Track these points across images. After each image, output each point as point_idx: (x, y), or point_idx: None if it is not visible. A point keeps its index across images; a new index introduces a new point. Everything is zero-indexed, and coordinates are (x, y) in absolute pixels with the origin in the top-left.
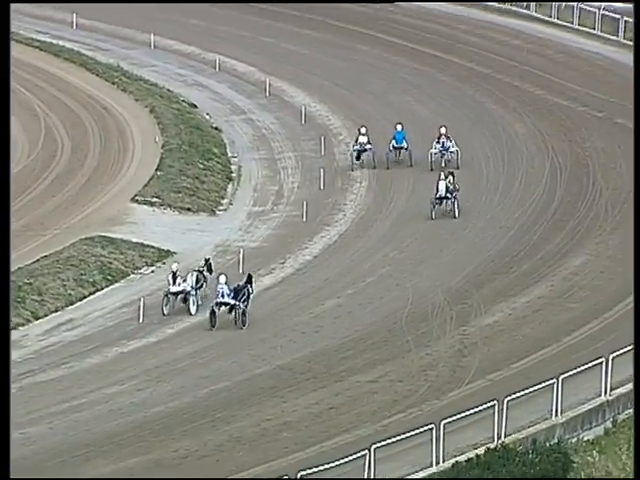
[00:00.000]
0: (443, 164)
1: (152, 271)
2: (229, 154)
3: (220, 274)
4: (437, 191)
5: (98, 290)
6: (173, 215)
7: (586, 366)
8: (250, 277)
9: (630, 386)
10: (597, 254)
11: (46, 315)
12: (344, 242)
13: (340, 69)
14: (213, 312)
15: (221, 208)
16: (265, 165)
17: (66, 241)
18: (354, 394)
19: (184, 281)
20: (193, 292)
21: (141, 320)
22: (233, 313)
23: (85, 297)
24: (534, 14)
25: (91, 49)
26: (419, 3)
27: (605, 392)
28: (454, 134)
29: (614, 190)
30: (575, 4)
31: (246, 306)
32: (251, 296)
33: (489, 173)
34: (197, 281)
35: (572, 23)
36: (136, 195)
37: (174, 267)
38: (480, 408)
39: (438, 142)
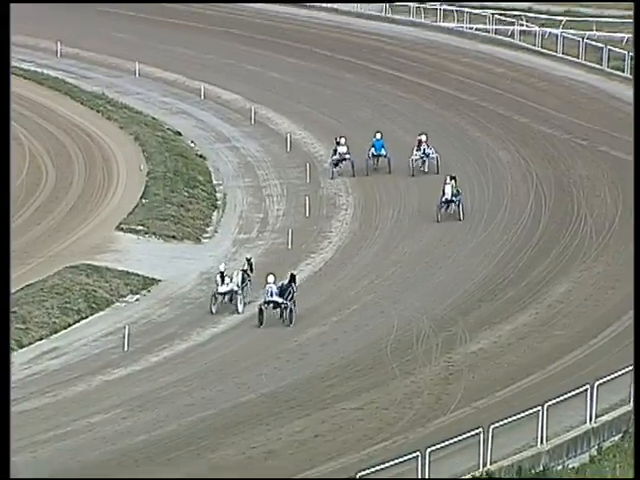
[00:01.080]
0: (426, 169)
1: (137, 299)
2: (214, 182)
3: (269, 273)
4: (443, 194)
5: (83, 318)
6: (158, 243)
7: (571, 393)
8: (293, 276)
9: (615, 413)
10: (581, 281)
11: (30, 343)
12: (329, 269)
13: (325, 97)
14: (261, 310)
15: (206, 236)
16: (250, 193)
17: (51, 269)
18: (339, 421)
19: (231, 281)
20: (240, 291)
21: (126, 348)
22: (279, 311)
23: (70, 325)
24: (518, 42)
25: (75, 77)
26: (405, 32)
27: (590, 419)
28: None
29: (598, 217)
30: (558, 32)
31: (293, 304)
32: (295, 295)
33: (474, 200)
34: (242, 280)
35: (556, 51)
36: (121, 223)
37: (222, 267)
38: (465, 436)
39: (418, 149)
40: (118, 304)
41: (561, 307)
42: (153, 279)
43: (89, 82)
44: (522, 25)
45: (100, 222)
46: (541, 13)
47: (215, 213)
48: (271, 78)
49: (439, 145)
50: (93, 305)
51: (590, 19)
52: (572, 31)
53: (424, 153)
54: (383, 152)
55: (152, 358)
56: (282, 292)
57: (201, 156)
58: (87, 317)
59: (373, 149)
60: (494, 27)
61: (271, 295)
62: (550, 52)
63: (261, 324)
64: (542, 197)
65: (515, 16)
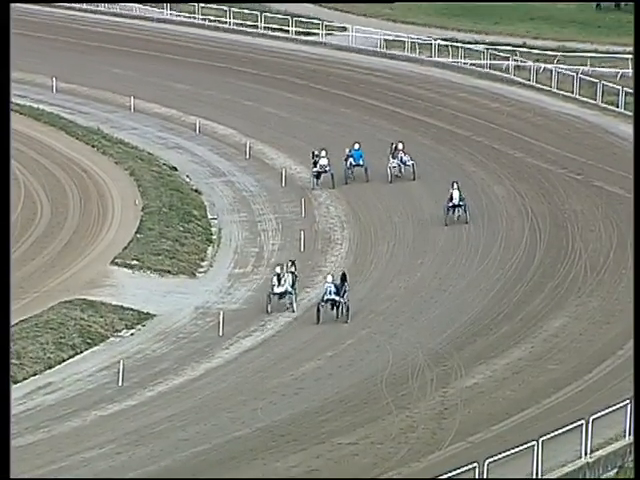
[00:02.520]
0: (399, 174)
1: (132, 334)
2: (209, 216)
3: (328, 273)
4: (451, 199)
5: (77, 353)
6: (153, 278)
7: (566, 428)
8: (345, 275)
9: (610, 448)
10: (576, 316)
11: (25, 379)
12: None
13: (321, 132)
14: (319, 309)
15: (201, 270)
16: (245, 227)
17: (45, 304)
18: (334, 456)
19: (285, 282)
20: (292, 291)
21: (120, 383)
22: (336, 309)
23: (64, 360)
24: (514, 77)
25: (71, 112)
26: (401, 67)
27: (586, 454)
28: (434, 196)
29: (593, 252)
30: (552, 67)
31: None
32: (347, 293)
33: (469, 235)
34: (293, 282)
35: (550, 86)
36: (116, 258)
37: (278, 270)
38: (460, 470)
39: (394, 157)
40: (113, 339)
41: (556, 341)
42: (148, 314)
43: (85, 117)
44: (516, 60)
45: (95, 257)
46: (535, 48)
47: (210, 248)
48: (267, 113)
49: (434, 180)
50: (88, 340)
51: (584, 54)
52: (566, 66)
53: (401, 161)
54: (361, 162)
55: (147, 393)
56: (337, 291)
57: (196, 191)
58: (82, 352)
59: (352, 159)
60: (489, 62)
61: (330, 293)
62: (545, 87)
63: (318, 321)
64: (537, 232)
65: (509, 51)
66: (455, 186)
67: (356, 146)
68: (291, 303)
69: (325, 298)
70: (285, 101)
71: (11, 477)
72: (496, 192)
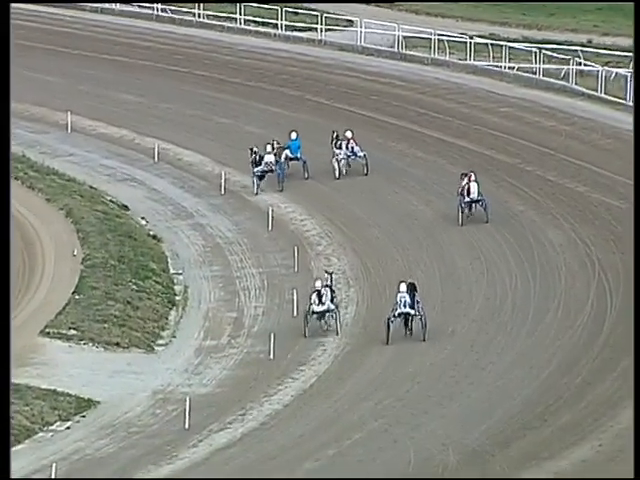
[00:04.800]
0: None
1: (68, 427)
2: (172, 271)
3: (401, 281)
4: (468, 194)
5: None
6: (96, 352)
7: None
8: (414, 285)
9: None
10: None
11: None
12: (324, 386)
13: (321, 158)
14: (389, 325)
15: (161, 342)
16: (220, 285)
17: None
18: None
19: (326, 299)
20: (335, 309)
21: None
22: (409, 325)
23: None
24: (575, 87)
25: None
26: (425, 74)
27: None
28: (466, 243)
29: None
30: (627, 73)
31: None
32: (422, 305)
33: (515, 295)
34: (332, 297)
35: (624, 99)
36: (47, 326)
37: (318, 284)
38: None
39: (340, 147)
40: (42, 434)
41: (631, 437)
42: (89, 400)
43: None
44: (579, 64)
45: (20, 325)
46: (604, 48)
47: (173, 312)
48: (248, 134)
49: (467, 222)
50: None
51: None
52: None
53: (352, 152)
54: (299, 154)
55: None
56: (412, 302)
57: (155, 237)
58: None
59: (288, 151)
60: (541, 66)
61: (404, 305)
62: (616, 99)
63: (388, 341)
64: (606, 291)
65: (569, 52)
66: (473, 177)
67: (293, 135)
68: (336, 323)
69: (398, 312)
70: (272, 118)
71: (11, 477)
72: (551, 238)
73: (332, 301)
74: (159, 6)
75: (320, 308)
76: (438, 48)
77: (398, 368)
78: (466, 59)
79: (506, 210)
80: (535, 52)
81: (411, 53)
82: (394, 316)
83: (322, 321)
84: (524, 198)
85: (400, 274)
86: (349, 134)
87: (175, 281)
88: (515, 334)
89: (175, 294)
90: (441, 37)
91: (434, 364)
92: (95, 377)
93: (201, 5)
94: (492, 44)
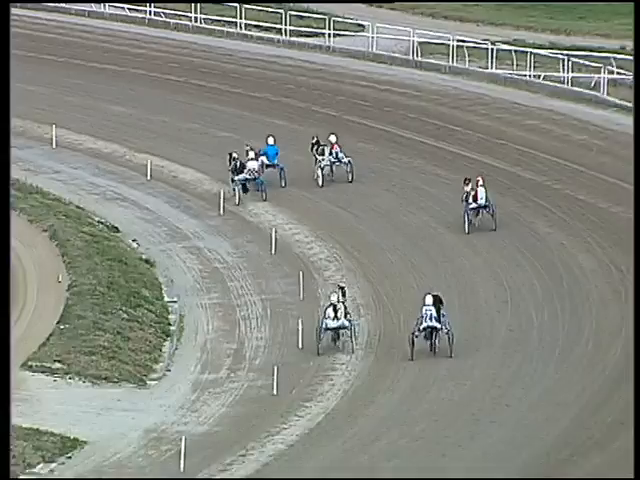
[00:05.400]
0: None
1: (52, 470)
2: (166, 298)
3: (427, 293)
4: (474, 199)
5: None
6: (84, 387)
7: None
8: (439, 298)
9: None
10: None
11: None
12: (332, 424)
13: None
14: (413, 341)
15: (154, 376)
16: (218, 314)
17: None
18: None
19: (341, 314)
20: (350, 325)
21: None
22: (434, 340)
23: None
24: (607, 97)
25: None
26: (443, 83)
27: None
28: (488, 269)
29: None
30: None
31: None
32: (448, 319)
33: (542, 326)
34: (346, 314)
35: None
36: (29, 359)
37: (333, 298)
38: None
39: (322, 153)
40: (24, 477)
41: None
42: (76, 440)
43: None
44: (612, 72)
45: None
46: None
47: (167, 343)
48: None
49: (489, 245)
50: None
51: None
52: None
53: (336, 157)
54: (276, 161)
55: None
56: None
57: (147, 261)
58: None
59: (264, 157)
60: (570, 75)
61: (430, 319)
62: None
63: (413, 357)
64: None
65: (601, 59)
66: (481, 182)
67: (270, 140)
68: (351, 341)
69: (423, 326)
70: (276, 132)
71: (11, 477)
72: (582, 263)
73: (346, 317)
74: (152, 9)
75: (335, 324)
76: (457, 55)
77: (413, 404)
78: (488, 67)
79: (532, 233)
80: (563, 59)
81: (428, 61)
82: (419, 330)
83: (336, 339)
84: (552, 219)
85: (416, 303)
86: (333, 138)
87: (169, 310)
88: (541, 368)
89: (169, 324)
90: (460, 43)
91: (453, 400)
92: (82, 415)
93: (198, 8)
94: (516, 50)
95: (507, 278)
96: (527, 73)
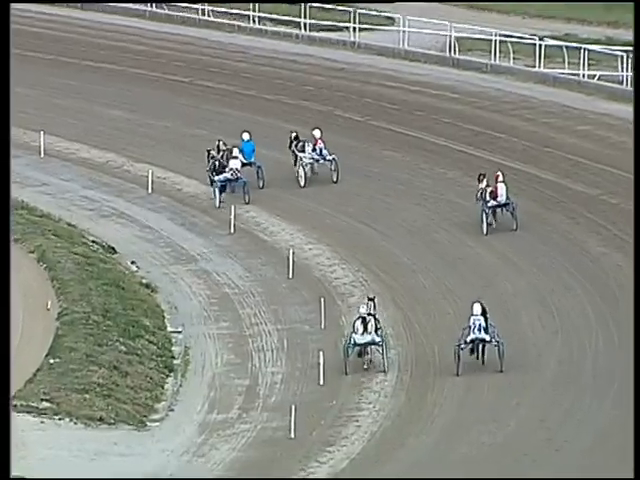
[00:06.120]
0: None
1: None
2: (169, 328)
3: (475, 302)
4: (494, 197)
5: None
6: (75, 429)
7: None
8: (485, 309)
9: None
10: None
11: None
12: (357, 471)
13: (353, 186)
14: (459, 355)
15: (155, 417)
16: (229, 345)
17: None
18: None
19: (371, 328)
20: (381, 341)
21: None
22: (480, 353)
23: None
24: None
25: None
26: (483, 84)
27: None
28: (534, 293)
29: None
30: None
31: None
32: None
33: (596, 359)
34: (377, 328)
35: None
36: (14, 397)
37: (363, 310)
38: None
39: (302, 150)
40: None
41: None
42: None
43: None
44: None
45: None
46: None
47: (170, 379)
48: (263, 158)
49: (534, 266)
50: None
51: None
52: None
53: (320, 154)
54: (253, 159)
55: None
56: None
57: (148, 286)
58: None
59: (241, 155)
60: (630, 74)
61: (478, 330)
62: None
63: (458, 372)
64: None
65: None
66: (501, 178)
67: (245, 136)
68: (384, 359)
69: (470, 337)
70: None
71: (11, 477)
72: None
73: (377, 332)
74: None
75: (364, 339)
76: (500, 52)
77: (449, 448)
78: (535, 66)
79: (584, 253)
80: (621, 57)
81: (466, 58)
82: (465, 342)
83: (365, 356)
84: (607, 238)
85: (452, 331)
86: (317, 133)
87: (173, 341)
88: (596, 406)
89: (173, 357)
90: (504, 38)
91: (494, 444)
92: (74, 460)
93: None
94: (568, 47)
95: (555, 304)
96: (580, 72)
